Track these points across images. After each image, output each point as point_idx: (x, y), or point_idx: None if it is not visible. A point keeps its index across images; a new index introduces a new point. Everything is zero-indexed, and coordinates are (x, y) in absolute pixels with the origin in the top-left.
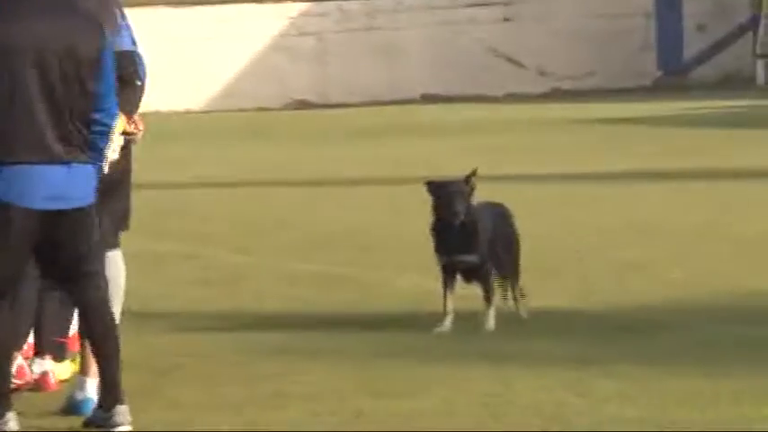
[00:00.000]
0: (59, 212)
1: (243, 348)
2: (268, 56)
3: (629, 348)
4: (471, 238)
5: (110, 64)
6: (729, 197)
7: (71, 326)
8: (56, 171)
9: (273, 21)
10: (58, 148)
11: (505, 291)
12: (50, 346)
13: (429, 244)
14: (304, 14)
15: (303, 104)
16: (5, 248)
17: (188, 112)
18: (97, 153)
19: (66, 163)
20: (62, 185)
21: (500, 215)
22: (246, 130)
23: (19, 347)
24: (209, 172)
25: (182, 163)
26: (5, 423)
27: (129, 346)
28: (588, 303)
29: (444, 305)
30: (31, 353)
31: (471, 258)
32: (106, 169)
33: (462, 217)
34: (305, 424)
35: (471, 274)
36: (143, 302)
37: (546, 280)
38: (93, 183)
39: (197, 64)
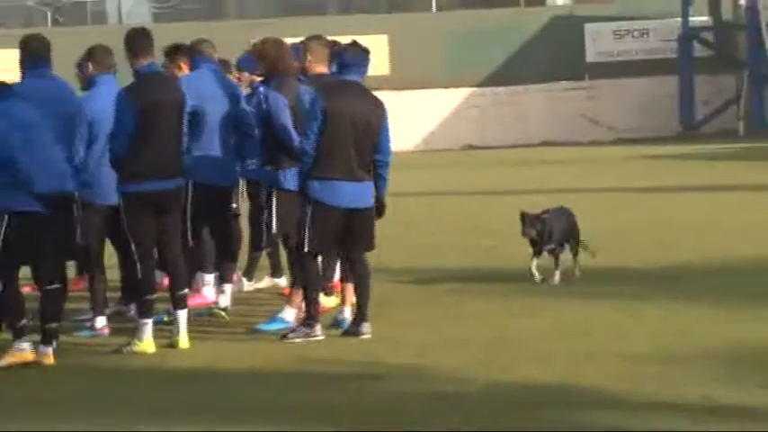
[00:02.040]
0: (354, 210)
1: (434, 288)
2: (451, 119)
3: (668, 288)
4: (550, 236)
5: (386, 127)
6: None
7: (335, 275)
8: (355, 185)
9: (454, 98)
10: (358, 172)
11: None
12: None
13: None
14: (471, 95)
15: (470, 147)
16: (325, 230)
17: (401, 152)
18: (382, 179)
19: (361, 181)
20: (358, 194)
21: (568, 214)
22: (435, 163)
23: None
24: (417, 187)
25: (401, 182)
26: (317, 332)
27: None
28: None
29: (532, 267)
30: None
31: (550, 246)
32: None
33: (528, 236)
34: (473, 335)
35: (549, 252)
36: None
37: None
38: (372, 193)
39: (402, 123)
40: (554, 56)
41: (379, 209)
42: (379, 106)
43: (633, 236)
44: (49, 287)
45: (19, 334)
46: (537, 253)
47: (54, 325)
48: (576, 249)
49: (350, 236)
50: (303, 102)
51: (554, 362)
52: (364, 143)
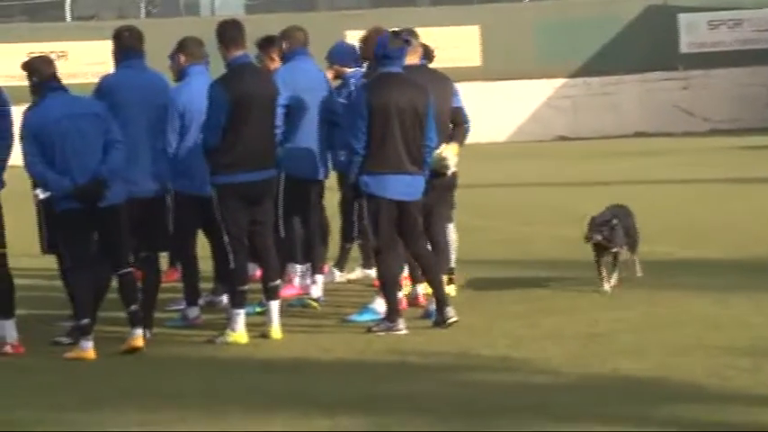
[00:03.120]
0: (405, 202)
1: (526, 279)
2: (543, 110)
3: (763, 280)
4: (613, 234)
5: (431, 113)
6: None
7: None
8: (405, 178)
9: (546, 88)
10: (408, 164)
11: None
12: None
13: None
14: (564, 86)
15: (562, 138)
16: (381, 223)
17: (493, 143)
18: (425, 164)
19: (411, 174)
20: (408, 186)
21: (627, 213)
22: (527, 154)
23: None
24: (510, 178)
25: (494, 172)
26: (400, 326)
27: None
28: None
29: (599, 272)
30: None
31: (614, 250)
32: (427, 174)
33: (592, 241)
34: (564, 327)
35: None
36: (461, 255)
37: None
38: (423, 186)
39: (493, 114)
40: (648, 46)
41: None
42: (423, 93)
43: (727, 227)
44: (120, 272)
45: (82, 332)
46: (599, 256)
47: (134, 307)
48: (635, 248)
49: (401, 230)
50: None
51: (645, 355)
52: (413, 134)
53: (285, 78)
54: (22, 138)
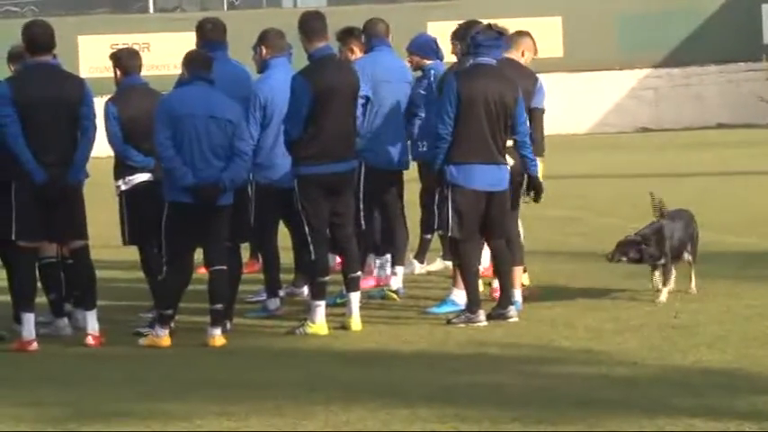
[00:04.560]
0: (492, 193)
1: (609, 271)
2: (625, 101)
3: None
4: (658, 246)
5: (521, 107)
6: None
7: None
8: (492, 168)
9: (629, 79)
10: (495, 155)
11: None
12: None
13: None
14: (647, 76)
15: (645, 129)
16: (466, 214)
17: (575, 134)
18: (528, 159)
19: (498, 164)
20: (495, 177)
21: (686, 220)
22: (609, 145)
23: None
24: (592, 169)
25: (575, 164)
26: (480, 317)
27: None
28: None
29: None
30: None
31: (660, 262)
32: (536, 170)
33: (614, 262)
34: (645, 319)
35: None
36: (542, 247)
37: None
38: (508, 177)
39: (576, 105)
40: (731, 37)
41: (536, 188)
42: (513, 87)
43: None
44: (213, 268)
45: (162, 320)
46: (653, 267)
47: (219, 306)
48: (694, 258)
49: (486, 221)
50: None
51: (728, 346)
52: (499, 125)
53: (364, 70)
54: (156, 120)
